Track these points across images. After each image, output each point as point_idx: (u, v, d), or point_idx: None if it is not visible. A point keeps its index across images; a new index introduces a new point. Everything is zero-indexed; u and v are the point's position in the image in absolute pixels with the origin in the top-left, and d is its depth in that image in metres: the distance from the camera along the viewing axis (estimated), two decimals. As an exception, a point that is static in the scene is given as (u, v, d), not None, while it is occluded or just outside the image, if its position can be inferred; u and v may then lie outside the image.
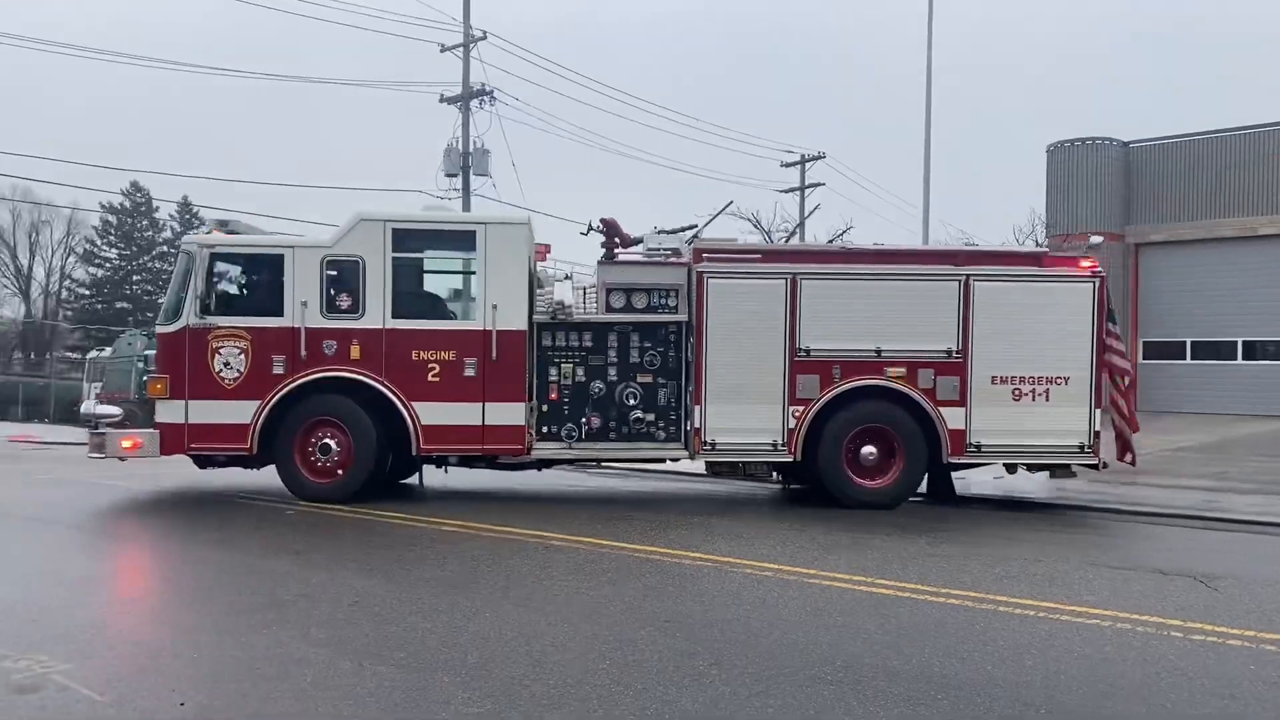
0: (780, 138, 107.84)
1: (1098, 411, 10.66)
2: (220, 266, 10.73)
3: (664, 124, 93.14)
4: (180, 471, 12.45)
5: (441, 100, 29.88)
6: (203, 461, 11.07)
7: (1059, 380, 10.64)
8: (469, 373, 10.60)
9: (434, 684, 4.60)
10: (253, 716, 4.17)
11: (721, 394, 10.68)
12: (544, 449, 10.80)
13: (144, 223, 69.16)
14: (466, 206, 29.51)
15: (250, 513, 10.13)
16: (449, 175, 29.72)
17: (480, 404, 10.63)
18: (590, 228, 11.54)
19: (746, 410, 10.66)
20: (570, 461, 11.55)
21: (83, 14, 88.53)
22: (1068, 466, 10.89)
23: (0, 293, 68.54)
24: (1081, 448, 10.64)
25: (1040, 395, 10.66)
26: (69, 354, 63.08)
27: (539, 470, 11.82)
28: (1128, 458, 11.18)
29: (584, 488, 12.57)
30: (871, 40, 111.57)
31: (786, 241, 21.99)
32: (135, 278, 68.98)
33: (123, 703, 4.28)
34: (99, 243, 68.42)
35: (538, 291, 10.90)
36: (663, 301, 10.87)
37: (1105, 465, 10.83)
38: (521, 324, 10.65)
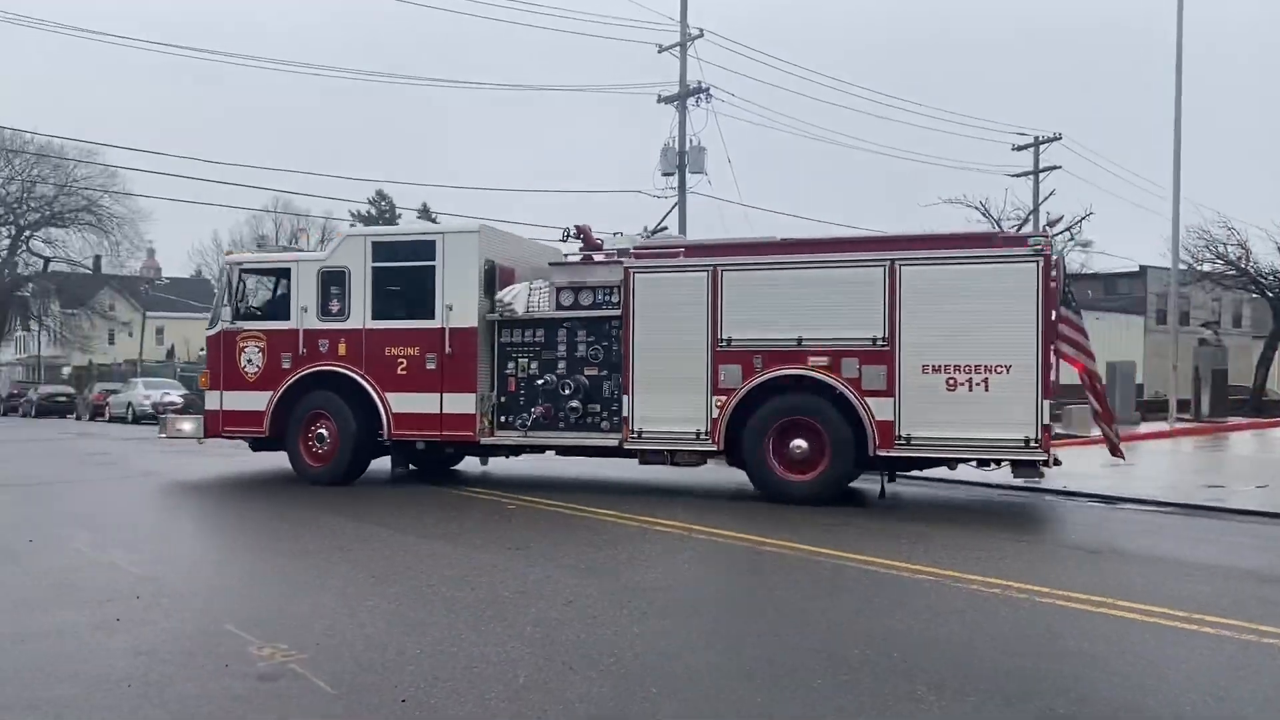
0: (1015, 120, 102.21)
1: (1047, 403, 9.72)
2: (247, 280, 13.01)
3: (885, 111, 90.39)
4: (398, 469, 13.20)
5: (659, 100, 30.21)
6: (254, 445, 13.16)
7: (999, 369, 9.86)
8: (430, 366, 11.85)
9: (641, 692, 4.56)
10: (468, 716, 4.27)
11: (649, 384, 11.07)
12: (502, 437, 11.73)
13: (389, 229, 74.13)
14: (682, 205, 29.69)
15: (472, 507, 10.57)
16: (665, 174, 30.03)
17: (439, 394, 11.82)
18: (567, 234, 12.69)
19: (672, 400, 10.94)
20: (521, 449, 12.21)
21: (329, 36, 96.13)
22: (1032, 465, 9.90)
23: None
24: (1027, 442, 9.74)
25: (978, 385, 9.93)
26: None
27: (507, 458, 12.91)
28: (1117, 456, 10.47)
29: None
30: (1117, 6, 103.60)
31: (1019, 229, 20.85)
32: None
33: (350, 696, 4.50)
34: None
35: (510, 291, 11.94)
36: (605, 299, 11.55)
37: (1058, 463, 10.12)
38: (472, 321, 11.74)
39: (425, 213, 70.40)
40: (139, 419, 34.73)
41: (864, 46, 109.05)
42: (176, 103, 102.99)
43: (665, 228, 12.06)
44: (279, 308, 12.69)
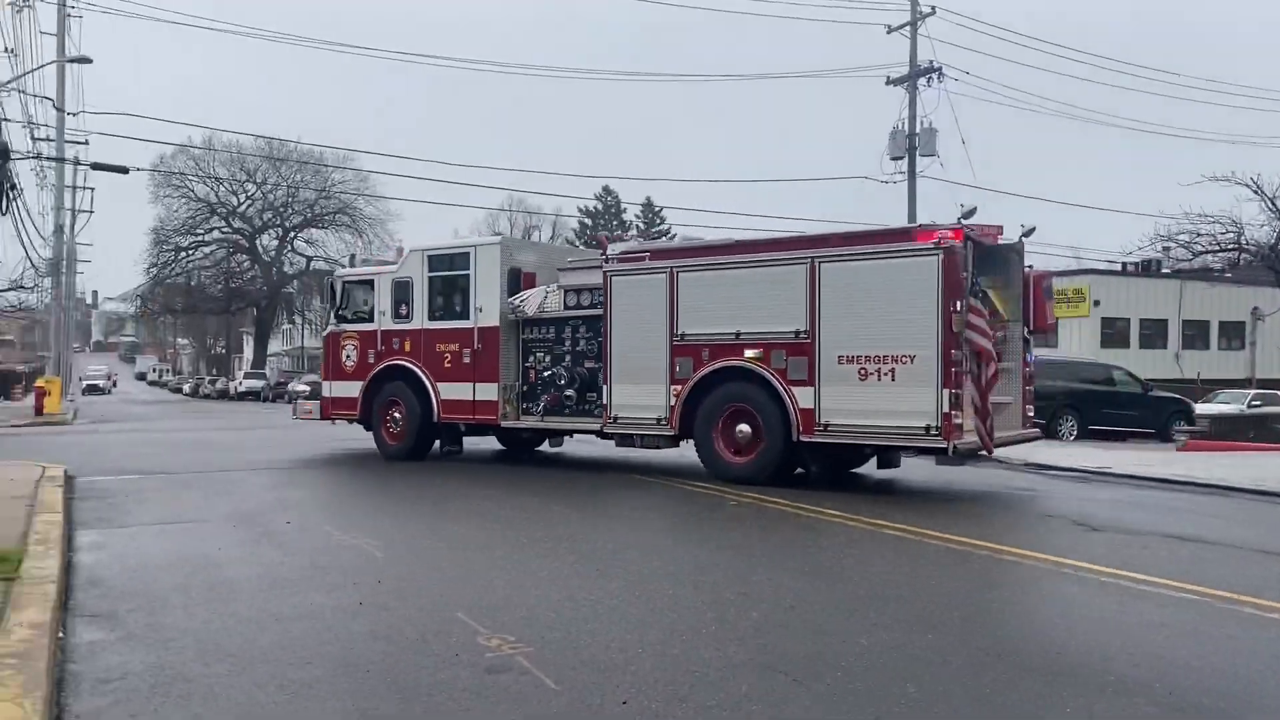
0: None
1: (948, 392, 10.10)
2: (348, 290, 15.69)
3: (1135, 84, 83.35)
4: (610, 453, 13.35)
5: (888, 83, 29.19)
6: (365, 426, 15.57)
7: (904, 359, 10.39)
8: (465, 360, 14.11)
9: (865, 716, 4.29)
10: (687, 725, 4.17)
11: (623, 375, 12.56)
12: (524, 421, 13.83)
13: (614, 223, 75.92)
14: (912, 190, 28.55)
15: (694, 503, 10.52)
16: (894, 159, 28.98)
17: (472, 384, 14.06)
18: (595, 240, 16.26)
19: (641, 389, 12.36)
20: (534, 431, 14.28)
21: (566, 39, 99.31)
22: (943, 452, 10.24)
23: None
24: (928, 429, 10.23)
25: (886, 375, 10.52)
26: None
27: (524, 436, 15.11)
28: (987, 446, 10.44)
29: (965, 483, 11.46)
30: None
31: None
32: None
33: (573, 694, 4.50)
34: (577, 243, 76.29)
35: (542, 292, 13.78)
36: (600, 299, 12.86)
37: (955, 450, 10.19)
38: (495, 321, 13.85)
39: (649, 207, 71.57)
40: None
41: (1106, 15, 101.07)
42: (421, 111, 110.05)
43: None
44: (366, 313, 15.37)
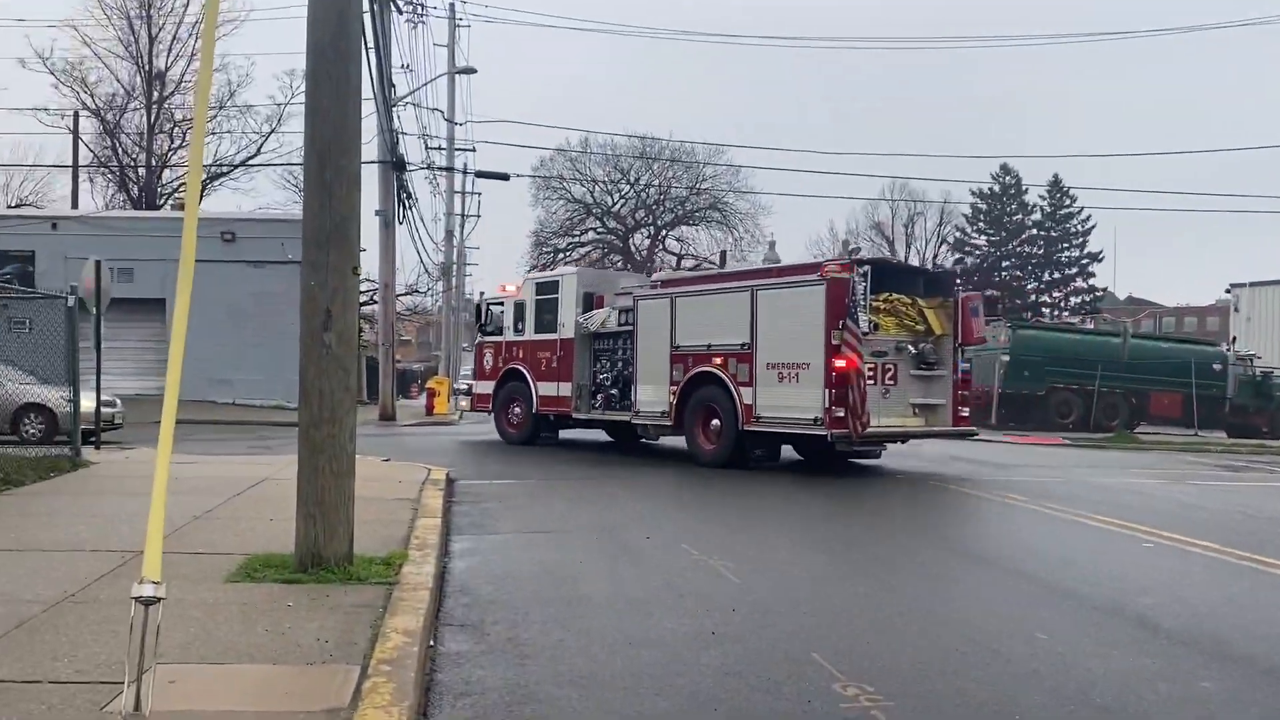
0: None
1: (829, 391, 14.21)
2: (490, 310, 21.49)
3: None
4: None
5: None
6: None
7: (804, 366, 14.64)
8: (554, 364, 19.32)
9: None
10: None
11: (644, 378, 17.19)
12: (590, 415, 18.89)
13: (1012, 206, 72.09)
14: None
15: (1094, 536, 9.71)
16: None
17: (556, 383, 19.26)
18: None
19: (655, 389, 16.93)
20: (592, 422, 19.36)
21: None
22: (845, 439, 14.44)
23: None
24: (815, 420, 14.47)
25: (792, 378, 14.80)
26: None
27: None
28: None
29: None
30: None
31: None
32: (1005, 263, 72.21)
33: (935, 763, 4.32)
34: (969, 230, 73.22)
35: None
36: (632, 319, 17.70)
37: (832, 439, 14.40)
38: (571, 334, 19.05)
39: (1056, 185, 67.18)
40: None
41: None
42: (793, 99, 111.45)
43: None
44: (499, 328, 21.04)
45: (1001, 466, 18.21)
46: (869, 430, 14.34)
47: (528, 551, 8.98)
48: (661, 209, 71.05)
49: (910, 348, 15.54)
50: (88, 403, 16.24)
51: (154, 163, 46.21)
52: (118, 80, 46.09)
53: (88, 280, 16.71)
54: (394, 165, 29.90)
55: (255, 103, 67.45)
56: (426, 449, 19.37)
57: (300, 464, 7.19)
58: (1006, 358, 31.96)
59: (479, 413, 22.21)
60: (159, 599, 4.08)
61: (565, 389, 19.03)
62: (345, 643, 5.42)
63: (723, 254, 71.36)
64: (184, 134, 47.21)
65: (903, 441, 16.54)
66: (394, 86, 28.90)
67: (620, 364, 18.30)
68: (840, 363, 14.10)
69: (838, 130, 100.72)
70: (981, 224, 71.48)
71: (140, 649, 3.96)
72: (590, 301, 19.29)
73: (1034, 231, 70.93)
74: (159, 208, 45.54)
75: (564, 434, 20.87)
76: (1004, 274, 70.94)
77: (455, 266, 52.47)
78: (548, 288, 20.07)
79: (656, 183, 68.36)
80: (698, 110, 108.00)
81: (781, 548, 9.60)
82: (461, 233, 54.28)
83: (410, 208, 33.18)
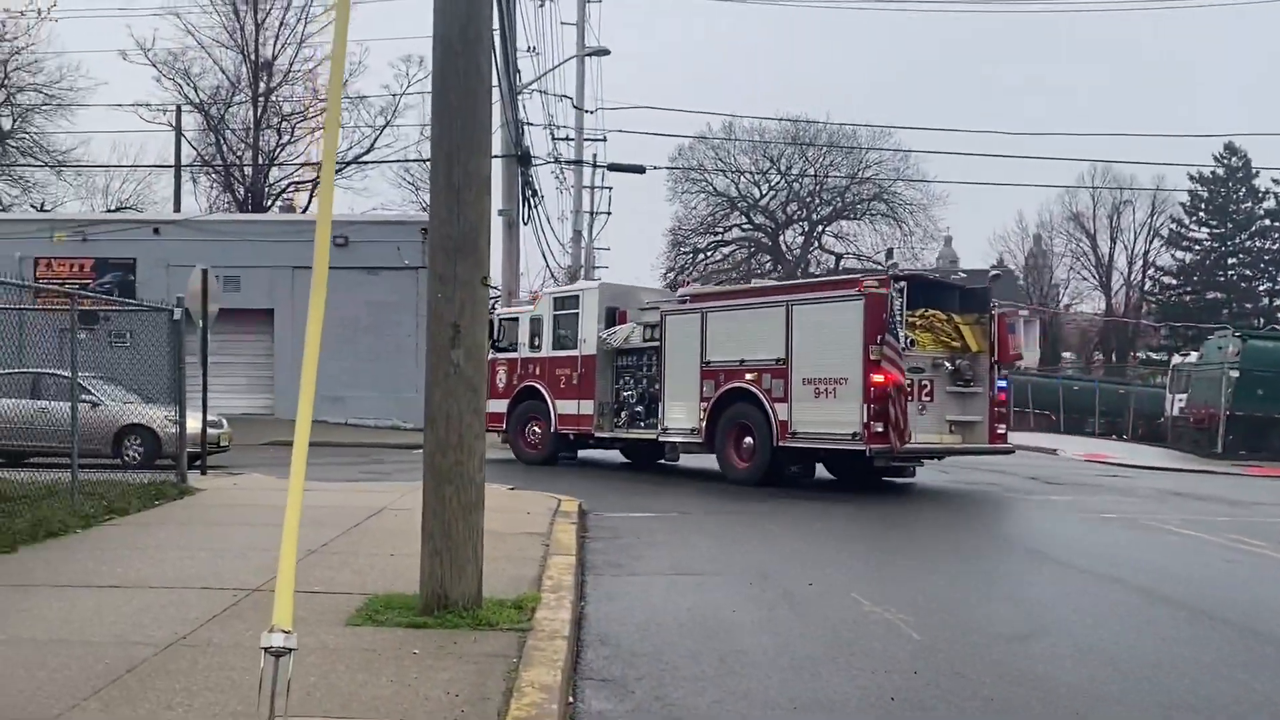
0: None
1: (868, 406, 15.68)
2: (502, 324, 22.89)
3: None
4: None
5: None
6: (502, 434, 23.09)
7: (841, 381, 16.22)
8: (574, 381, 20.78)
9: None
10: None
11: (673, 394, 18.84)
12: (613, 434, 20.37)
13: (1240, 192, 69.00)
14: None
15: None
16: None
17: (577, 400, 20.70)
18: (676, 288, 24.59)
19: (684, 406, 18.60)
20: (615, 441, 20.93)
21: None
22: (871, 454, 15.96)
23: (1079, 285, 75.55)
24: (854, 436, 15.98)
25: (830, 393, 16.42)
26: (1153, 355, 66.22)
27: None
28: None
29: None
30: None
31: None
32: (1230, 261, 69.17)
33: None
34: (1187, 221, 70.33)
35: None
36: (660, 335, 19.25)
37: (870, 454, 15.86)
38: (593, 351, 20.56)
39: (1293, 166, 64.00)
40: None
41: None
42: (975, 72, 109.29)
43: None
44: (511, 343, 22.56)
45: (1237, 505, 17.43)
46: (907, 446, 15.90)
47: (674, 596, 9.00)
48: (817, 201, 70.62)
49: (946, 364, 17.21)
50: (193, 423, 17.06)
51: (260, 160, 48.33)
52: (222, 71, 48.47)
53: (194, 290, 17.57)
54: (519, 160, 30.49)
55: (369, 93, 69.82)
56: (550, 474, 19.66)
57: (425, 495, 7.39)
58: (1236, 374, 30.57)
59: (491, 432, 22.96)
60: (290, 650, 4.24)
61: (587, 407, 20.63)
62: (477, 698, 5.53)
63: (889, 252, 70.51)
64: (293, 128, 49.35)
65: (939, 459, 18.42)
66: (519, 72, 29.51)
67: (645, 381, 19.87)
68: (879, 378, 15.59)
69: (1026, 106, 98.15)
70: (1202, 214, 68.49)
71: (270, 705, 4.12)
72: (613, 317, 20.70)
73: (1267, 222, 67.61)
74: (266, 209, 47.63)
75: (581, 454, 22.62)
76: (1230, 273, 67.86)
77: (583, 270, 53.25)
78: (567, 303, 21.75)
79: (811, 171, 67.93)
80: (859, 88, 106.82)
81: (964, 596, 9.38)
82: (590, 232, 54.99)
83: (535, 206, 33.82)
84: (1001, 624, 8.32)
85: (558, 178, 45.42)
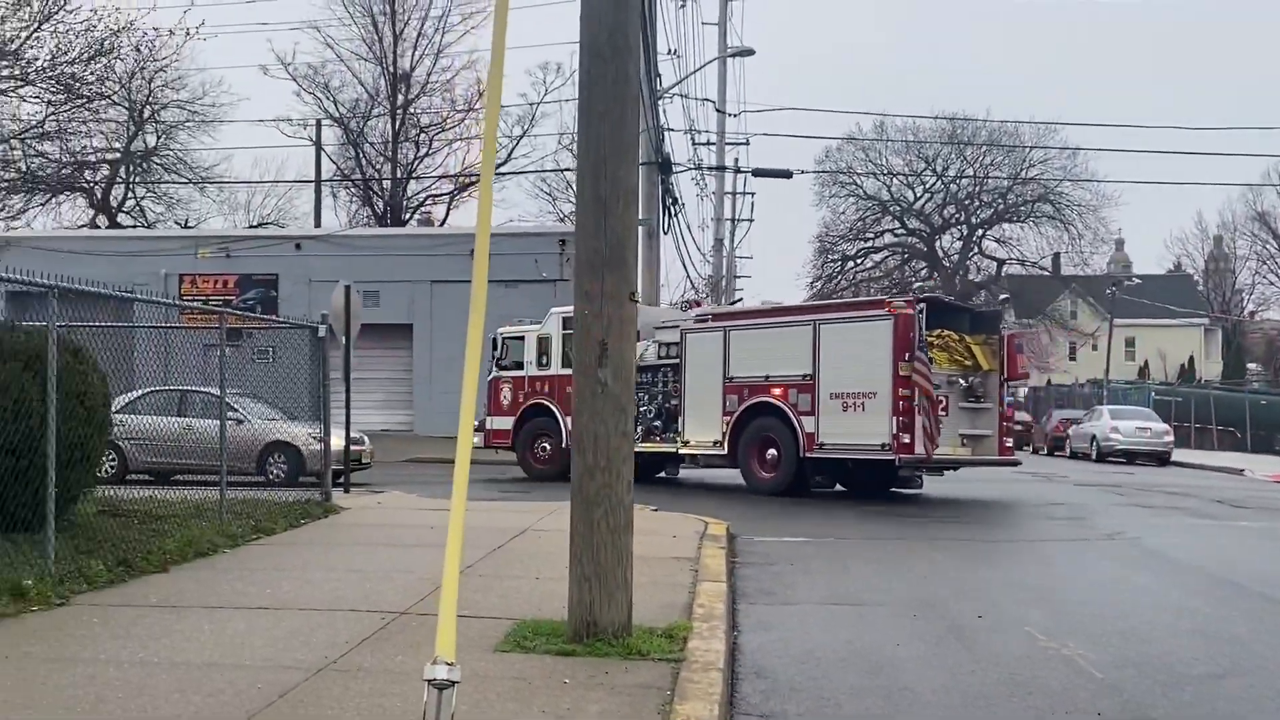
0: None
1: (896, 419, 17.49)
2: (506, 343, 24.07)
3: None
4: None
5: None
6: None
7: (870, 395, 17.97)
8: None
9: None
10: None
11: (693, 408, 20.68)
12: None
13: None
14: None
15: None
16: None
17: None
18: (684, 305, 24.56)
19: (705, 418, 20.38)
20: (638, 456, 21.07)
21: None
22: (902, 464, 18.14)
23: (1266, 290, 72.27)
24: (883, 446, 17.81)
25: (858, 407, 18.16)
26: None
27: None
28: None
29: None
30: None
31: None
32: None
33: None
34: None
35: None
36: (679, 351, 21.20)
37: (900, 462, 17.95)
38: None
39: None
40: (1104, 457, 36.11)
41: None
42: (1147, 64, 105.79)
43: None
44: (516, 362, 23.88)
45: None
46: (910, 456, 17.65)
47: (832, 627, 8.91)
48: (976, 204, 69.22)
49: (960, 381, 19.07)
50: (336, 441, 17.57)
51: (398, 173, 49.65)
52: (361, 84, 49.99)
53: (337, 306, 18.13)
54: (659, 167, 30.68)
55: (505, 102, 71.01)
56: (694, 495, 19.71)
57: (572, 518, 7.46)
58: None
59: (495, 448, 24.38)
60: (453, 682, 4.32)
61: None
62: (631, 732, 5.55)
63: (1055, 257, 68.65)
64: (430, 141, 50.55)
65: (954, 469, 20.11)
66: (659, 76, 29.71)
67: (661, 396, 21.57)
68: (907, 391, 17.40)
69: (1205, 101, 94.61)
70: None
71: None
72: None
73: None
74: (404, 222, 48.91)
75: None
76: None
77: (725, 280, 53.22)
78: None
79: (970, 172, 66.57)
80: (1021, 83, 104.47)
81: (1148, 630, 9.03)
82: (732, 240, 55.07)
83: (676, 214, 33.97)
84: (1191, 660, 8.00)
85: (698, 184, 45.37)
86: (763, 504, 18.68)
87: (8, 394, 10.01)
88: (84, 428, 10.71)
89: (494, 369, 24.18)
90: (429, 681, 4.36)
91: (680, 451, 21.22)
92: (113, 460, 17.66)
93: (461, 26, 49.45)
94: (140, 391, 19.16)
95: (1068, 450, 39.90)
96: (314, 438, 19.01)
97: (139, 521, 11.87)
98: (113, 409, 12.44)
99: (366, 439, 22.68)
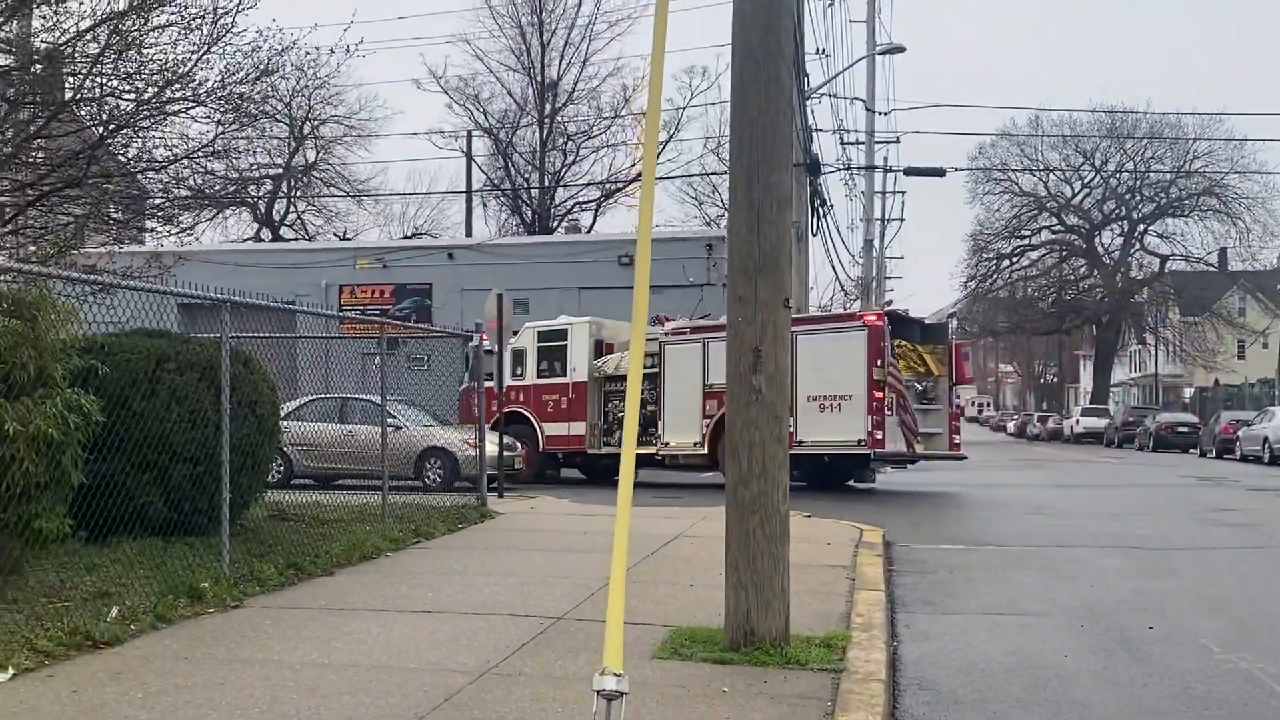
0: None
1: (871, 418, 19.84)
2: (478, 354, 21.35)
3: None
4: None
5: None
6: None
7: (846, 398, 20.31)
8: (563, 405, 24.64)
9: None
10: None
11: (672, 414, 23.11)
12: (603, 450, 23.99)
13: None
14: None
15: None
16: None
17: (568, 422, 24.58)
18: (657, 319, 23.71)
19: (684, 424, 22.79)
20: (606, 457, 23.89)
21: None
22: (876, 458, 20.92)
23: None
24: (859, 442, 20.13)
25: (834, 408, 20.51)
26: None
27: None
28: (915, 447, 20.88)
29: None
30: None
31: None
32: None
33: None
34: None
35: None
36: (656, 362, 23.07)
37: (875, 456, 20.61)
38: (584, 378, 24.49)
39: None
40: (1277, 460, 34.57)
41: None
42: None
43: None
44: (491, 372, 22.26)
45: None
46: (884, 451, 20.15)
47: (996, 638, 8.70)
48: (1138, 199, 66.84)
49: (915, 385, 21.59)
50: (490, 447, 17.91)
51: (546, 182, 50.37)
52: (510, 95, 50.94)
53: (490, 314, 18.50)
54: (808, 168, 30.46)
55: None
56: (847, 501, 19.48)
57: (728, 526, 7.45)
58: None
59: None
60: (622, 694, 4.35)
61: (578, 428, 24.40)
62: (793, 742, 5.52)
63: (1222, 253, 65.94)
64: (577, 149, 51.12)
65: (913, 462, 22.84)
66: (807, 76, 29.50)
67: (641, 404, 23.54)
68: (879, 394, 19.81)
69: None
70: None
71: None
72: (600, 349, 24.84)
73: None
74: (552, 230, 49.58)
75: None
76: None
77: (875, 282, 52.50)
78: (553, 336, 25.54)
79: (1130, 166, 64.38)
80: (1185, 72, 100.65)
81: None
82: (882, 241, 54.24)
83: (824, 216, 33.67)
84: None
85: (846, 185, 44.92)
86: (908, 510, 18.40)
87: (185, 404, 10.50)
88: (255, 435, 11.16)
89: (467, 379, 24.98)
90: (598, 692, 4.39)
91: (658, 454, 23.01)
92: (280, 466, 18.29)
93: (607, 34, 50.02)
94: (304, 399, 19.84)
95: (1238, 453, 38.30)
96: (467, 443, 19.43)
97: (306, 525, 12.31)
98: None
99: (518, 445, 23.07)
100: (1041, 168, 66.45)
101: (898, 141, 48.91)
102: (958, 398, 23.48)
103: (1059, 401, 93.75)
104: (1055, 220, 69.36)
